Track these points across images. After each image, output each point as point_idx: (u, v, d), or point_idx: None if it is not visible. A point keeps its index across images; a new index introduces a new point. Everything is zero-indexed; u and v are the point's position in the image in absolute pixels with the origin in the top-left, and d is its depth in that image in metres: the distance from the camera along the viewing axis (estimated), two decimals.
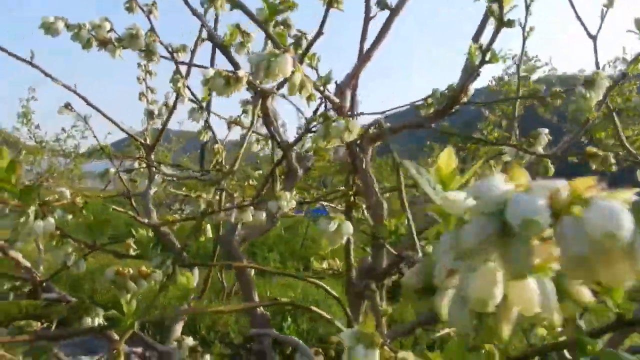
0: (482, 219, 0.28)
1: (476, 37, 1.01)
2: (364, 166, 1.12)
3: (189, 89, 1.56)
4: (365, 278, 1.25)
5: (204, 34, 1.31)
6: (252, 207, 1.07)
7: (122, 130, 1.84)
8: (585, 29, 1.41)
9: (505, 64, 6.24)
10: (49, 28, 1.04)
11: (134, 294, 0.99)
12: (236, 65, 1.26)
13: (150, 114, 1.97)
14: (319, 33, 1.01)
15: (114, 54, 1.20)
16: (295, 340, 0.97)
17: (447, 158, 0.42)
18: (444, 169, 0.43)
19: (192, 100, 1.44)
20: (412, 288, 0.38)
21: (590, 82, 1.06)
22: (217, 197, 1.27)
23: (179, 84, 1.57)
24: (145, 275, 1.02)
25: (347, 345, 0.57)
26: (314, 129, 1.20)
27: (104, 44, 1.13)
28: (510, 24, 0.78)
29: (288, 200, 1.00)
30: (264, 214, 1.05)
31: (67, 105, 1.58)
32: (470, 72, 0.93)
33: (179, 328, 1.29)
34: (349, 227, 0.82)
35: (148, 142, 1.87)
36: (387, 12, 1.07)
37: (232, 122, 1.46)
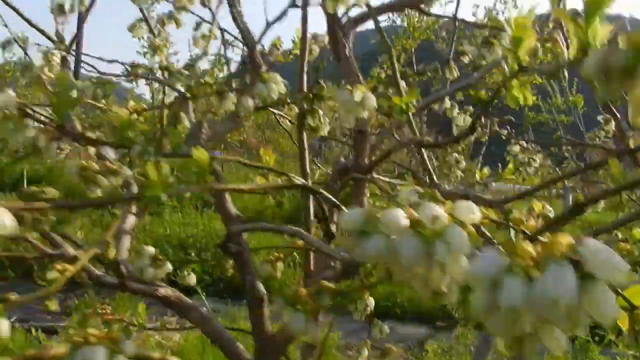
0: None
1: None
2: (347, 53, 1.06)
3: None
4: (341, 178, 1.22)
5: None
6: (232, 94, 0.96)
7: (34, 26, 1.56)
8: None
9: None
10: None
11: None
12: None
13: (60, 9, 1.70)
14: None
15: None
16: (286, 227, 0.92)
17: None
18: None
19: None
20: None
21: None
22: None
23: None
24: (113, 172, 0.89)
25: (412, 201, 0.54)
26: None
27: None
28: None
29: (279, 84, 0.92)
30: (249, 101, 0.95)
31: None
32: None
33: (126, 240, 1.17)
34: (373, 100, 0.76)
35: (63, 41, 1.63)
36: None
37: (181, 8, 1.29)
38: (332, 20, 0.93)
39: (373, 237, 0.46)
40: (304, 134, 1.42)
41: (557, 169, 2.66)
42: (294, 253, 1.48)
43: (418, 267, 0.45)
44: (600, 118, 1.95)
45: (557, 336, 0.29)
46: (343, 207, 0.89)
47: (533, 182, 1.84)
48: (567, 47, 0.49)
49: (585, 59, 0.34)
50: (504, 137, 2.12)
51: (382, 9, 0.99)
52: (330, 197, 0.89)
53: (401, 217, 0.45)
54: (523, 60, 0.54)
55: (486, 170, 1.63)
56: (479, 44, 1.31)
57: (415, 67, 1.65)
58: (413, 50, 3.68)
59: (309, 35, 1.21)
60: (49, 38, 1.56)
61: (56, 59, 1.51)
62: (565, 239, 0.29)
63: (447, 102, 1.38)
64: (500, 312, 0.30)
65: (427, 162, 0.89)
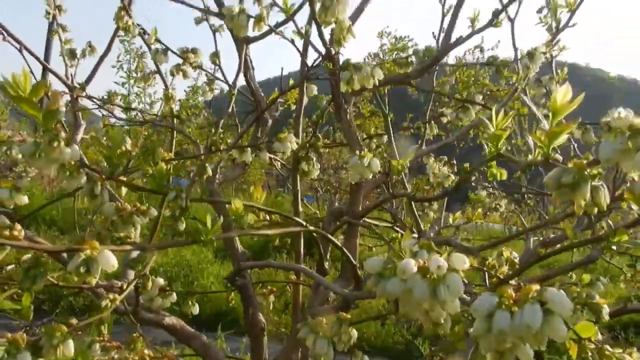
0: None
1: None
2: (347, 117, 1.23)
3: (140, 28, 1.50)
4: (335, 221, 1.37)
5: None
6: (249, 149, 1.11)
7: (49, 70, 1.68)
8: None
9: (382, 40, 6.66)
10: None
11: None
12: (221, 4, 1.28)
13: (71, 54, 1.82)
14: None
15: None
16: (292, 265, 1.06)
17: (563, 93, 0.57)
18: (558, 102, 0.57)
19: (158, 41, 1.40)
20: None
21: (531, 55, 1.29)
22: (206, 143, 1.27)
23: (127, 21, 1.50)
24: (143, 212, 1.02)
25: (414, 250, 0.70)
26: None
27: None
28: None
29: (292, 143, 1.08)
30: (267, 155, 1.11)
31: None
32: (454, 42, 1.09)
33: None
34: (377, 164, 0.93)
35: (75, 83, 1.75)
36: None
37: (196, 67, 1.44)
38: (337, 90, 1.10)
39: (392, 279, 0.62)
40: (298, 178, 1.59)
41: (518, 206, 2.89)
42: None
43: (424, 303, 0.61)
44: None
45: (527, 351, 0.45)
46: (345, 250, 1.05)
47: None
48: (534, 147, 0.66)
49: (546, 170, 0.52)
50: (472, 183, 2.33)
51: (381, 83, 1.17)
52: (334, 239, 1.04)
53: (412, 265, 0.60)
54: (499, 149, 0.73)
55: (458, 214, 1.82)
56: (455, 108, 1.51)
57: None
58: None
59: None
60: (64, 83, 1.69)
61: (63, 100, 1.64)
62: (534, 288, 0.45)
63: (431, 161, 1.56)
64: (492, 334, 0.46)
65: (415, 212, 1.05)
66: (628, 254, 1.66)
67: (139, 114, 1.55)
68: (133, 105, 7.18)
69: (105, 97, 1.90)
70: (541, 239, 2.25)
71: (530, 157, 0.71)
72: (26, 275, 0.60)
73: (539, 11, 1.63)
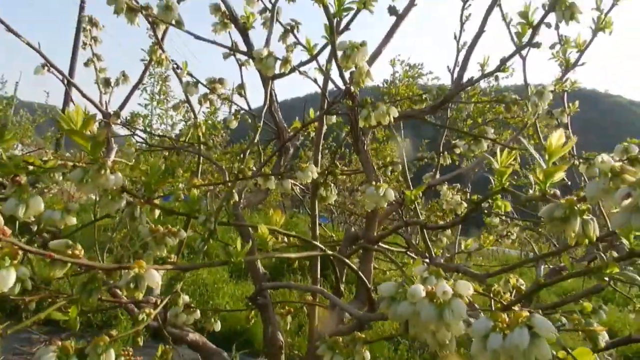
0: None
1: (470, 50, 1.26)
2: (364, 148, 1.31)
3: (174, 62, 1.61)
4: (350, 245, 1.45)
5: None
6: (273, 177, 1.20)
7: (87, 98, 1.80)
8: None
9: (394, 68, 6.79)
10: None
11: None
12: (251, 47, 1.38)
13: (106, 82, 1.95)
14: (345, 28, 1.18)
15: (133, 21, 1.24)
16: (312, 287, 1.14)
17: (558, 137, 0.64)
18: (553, 145, 0.65)
19: (189, 74, 1.51)
20: None
21: (540, 93, 1.36)
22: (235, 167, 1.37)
23: (160, 55, 1.61)
24: (174, 234, 1.11)
25: (424, 276, 0.77)
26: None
27: (133, 10, 1.17)
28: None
29: (313, 172, 1.16)
30: (289, 183, 1.19)
31: (45, 65, 1.54)
32: (466, 83, 1.17)
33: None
34: (392, 194, 1.01)
35: (108, 109, 1.87)
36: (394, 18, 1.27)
37: (224, 99, 1.55)
38: (355, 124, 1.19)
39: (402, 302, 0.69)
40: (316, 203, 1.67)
41: (536, 233, 2.91)
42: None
43: (431, 325, 0.68)
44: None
45: None
46: (361, 274, 1.12)
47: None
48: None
49: (540, 205, 0.60)
50: (485, 211, 2.39)
51: (396, 118, 1.25)
52: (351, 264, 1.11)
53: (421, 290, 0.68)
54: (504, 183, 0.80)
55: (470, 241, 1.88)
56: (468, 140, 1.58)
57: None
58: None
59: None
60: (99, 109, 1.81)
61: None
62: (524, 314, 0.52)
63: (444, 189, 1.63)
64: (487, 353, 0.53)
65: (426, 239, 1.12)
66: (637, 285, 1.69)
67: (159, 136, 1.65)
68: (155, 126, 7.38)
69: (129, 118, 2.02)
70: (551, 266, 2.29)
71: (530, 192, 0.78)
72: (83, 289, 0.68)
73: (552, 47, 1.71)
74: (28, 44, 1.52)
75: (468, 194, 1.95)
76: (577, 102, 1.91)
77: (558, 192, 0.66)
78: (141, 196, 1.01)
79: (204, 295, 5.28)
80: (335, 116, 1.65)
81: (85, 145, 0.89)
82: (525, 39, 1.10)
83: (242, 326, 4.04)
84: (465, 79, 1.24)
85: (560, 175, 0.66)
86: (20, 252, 0.57)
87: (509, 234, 2.18)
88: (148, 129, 7.65)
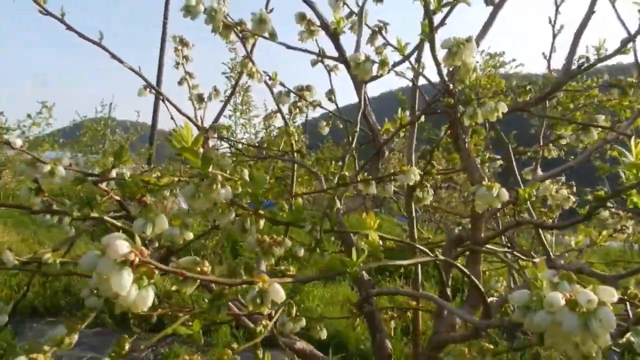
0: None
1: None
2: (466, 145, 1.26)
3: (265, 73, 1.64)
4: (455, 248, 1.39)
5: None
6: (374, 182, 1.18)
7: (184, 115, 1.89)
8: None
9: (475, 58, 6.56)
10: (190, 11, 1.11)
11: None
12: (343, 52, 1.37)
13: (199, 98, 2.03)
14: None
15: (227, 38, 1.27)
16: (420, 293, 1.10)
17: None
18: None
19: (282, 84, 1.53)
20: None
21: None
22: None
23: (250, 68, 1.65)
24: (280, 243, 1.12)
25: (554, 282, 0.71)
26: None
27: (228, 27, 1.20)
28: None
29: (416, 174, 1.13)
30: (391, 187, 1.17)
31: (147, 87, 1.63)
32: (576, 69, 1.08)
33: None
34: (506, 194, 0.95)
35: (203, 124, 1.94)
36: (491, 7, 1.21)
37: (315, 106, 1.55)
38: (456, 122, 1.14)
39: (539, 312, 0.64)
40: (412, 204, 1.63)
41: None
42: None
43: (575, 336, 0.62)
44: None
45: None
46: (472, 277, 1.07)
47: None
48: None
49: None
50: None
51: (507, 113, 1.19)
52: (461, 267, 1.07)
53: (560, 298, 0.63)
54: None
55: (581, 237, 1.75)
56: (575, 129, 1.47)
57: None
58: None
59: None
60: (195, 124, 1.88)
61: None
62: None
63: (547, 183, 1.53)
64: None
65: (544, 240, 1.05)
66: None
67: (244, 145, 1.70)
68: (239, 136, 7.63)
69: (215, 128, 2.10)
70: None
71: None
72: (212, 305, 0.70)
73: None
74: (131, 68, 1.61)
75: (573, 188, 1.83)
76: None
77: None
78: (250, 208, 1.03)
79: (294, 299, 5.37)
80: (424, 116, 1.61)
81: (196, 162, 0.92)
82: None
83: (334, 329, 4.06)
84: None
85: None
86: (157, 271, 0.59)
87: (623, 227, 2.00)
88: (233, 139, 7.92)
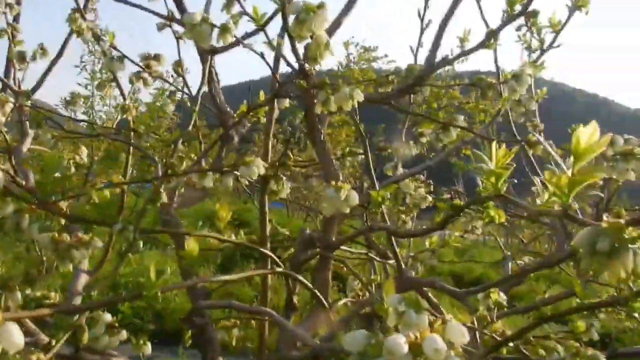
0: None
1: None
2: (321, 138, 1.12)
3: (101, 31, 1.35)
4: (305, 250, 1.25)
5: None
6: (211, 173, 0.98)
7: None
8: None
9: (348, 50, 6.60)
10: None
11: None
12: (184, 11, 1.15)
13: (20, 57, 1.66)
14: None
15: None
16: (257, 308, 0.94)
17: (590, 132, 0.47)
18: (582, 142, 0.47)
19: (115, 48, 1.26)
20: None
21: (517, 77, 1.20)
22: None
23: (80, 24, 1.36)
24: (85, 244, 0.89)
25: (399, 310, 0.59)
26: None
27: None
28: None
29: (260, 167, 0.96)
30: (231, 180, 0.98)
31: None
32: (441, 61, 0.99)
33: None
34: (355, 198, 0.82)
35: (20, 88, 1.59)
36: None
37: (157, 77, 1.30)
38: (311, 110, 0.99)
39: None
40: (266, 198, 1.46)
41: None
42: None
43: None
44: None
45: None
46: (317, 292, 0.93)
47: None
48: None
49: (575, 234, 0.41)
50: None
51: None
52: (304, 280, 0.92)
53: (402, 344, 0.49)
54: (500, 188, 0.62)
55: (435, 238, 1.73)
56: (435, 128, 1.41)
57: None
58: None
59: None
60: (11, 89, 1.53)
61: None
62: None
63: (407, 181, 1.47)
64: None
65: (395, 249, 0.94)
66: None
67: (79, 121, 1.41)
68: (97, 108, 6.88)
69: (69, 99, 1.75)
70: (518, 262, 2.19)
71: (537, 201, 0.61)
72: None
73: (518, 29, 1.56)
74: None
75: (431, 186, 1.80)
76: (544, 89, 1.79)
77: (589, 209, 0.48)
78: (34, 200, 0.77)
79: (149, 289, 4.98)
80: (288, 100, 1.45)
81: None
82: (517, 8, 0.92)
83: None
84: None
85: (590, 183, 0.49)
86: None
87: (473, 228, 2.04)
88: (90, 111, 7.16)
